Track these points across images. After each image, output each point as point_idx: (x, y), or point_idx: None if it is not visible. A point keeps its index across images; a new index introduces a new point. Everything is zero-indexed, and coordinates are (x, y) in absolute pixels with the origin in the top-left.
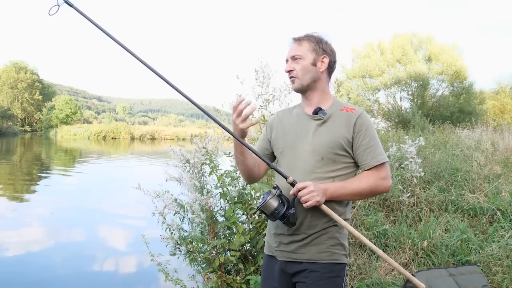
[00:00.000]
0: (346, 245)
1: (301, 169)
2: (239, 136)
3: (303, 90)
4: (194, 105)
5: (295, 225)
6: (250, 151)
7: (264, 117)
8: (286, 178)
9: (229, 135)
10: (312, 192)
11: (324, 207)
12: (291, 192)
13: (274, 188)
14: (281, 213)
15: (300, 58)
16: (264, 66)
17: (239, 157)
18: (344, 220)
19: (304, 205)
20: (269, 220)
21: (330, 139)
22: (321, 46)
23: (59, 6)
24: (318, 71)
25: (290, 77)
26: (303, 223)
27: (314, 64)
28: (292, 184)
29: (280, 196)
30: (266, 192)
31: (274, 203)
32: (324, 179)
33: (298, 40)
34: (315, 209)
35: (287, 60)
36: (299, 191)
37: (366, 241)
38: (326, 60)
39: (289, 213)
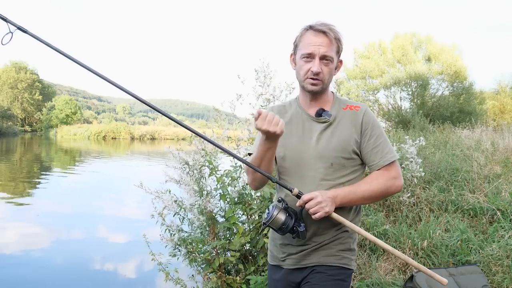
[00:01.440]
0: (355, 249)
1: (310, 177)
2: (275, 138)
3: (318, 93)
4: (192, 106)
5: (306, 237)
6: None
7: None
8: (291, 191)
9: (227, 135)
10: (320, 203)
11: (334, 215)
12: (297, 204)
13: (279, 201)
14: (290, 226)
15: (330, 61)
16: (266, 66)
17: (269, 155)
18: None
19: (313, 217)
20: (271, 229)
21: (338, 143)
22: (342, 48)
23: (12, 33)
24: (334, 75)
25: (314, 79)
26: (314, 233)
27: (335, 68)
28: (298, 196)
29: (286, 209)
30: (271, 206)
31: (282, 217)
32: (335, 185)
33: (329, 36)
34: (325, 220)
35: (310, 54)
36: (306, 203)
37: (384, 245)
38: (341, 64)
39: (299, 230)
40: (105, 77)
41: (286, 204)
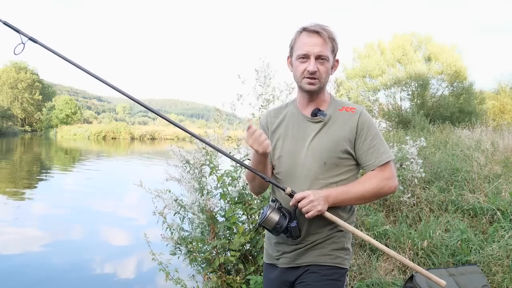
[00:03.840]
0: (350, 249)
1: (304, 176)
2: (262, 155)
3: (316, 93)
4: (192, 106)
5: (300, 237)
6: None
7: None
8: (283, 190)
9: (228, 135)
10: (312, 202)
11: (327, 214)
12: (290, 204)
13: (273, 201)
14: (284, 226)
15: (326, 60)
16: (266, 66)
17: (260, 167)
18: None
19: (306, 215)
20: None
21: (332, 142)
22: (337, 47)
23: (24, 44)
24: (331, 75)
25: (311, 78)
26: (308, 232)
27: (332, 67)
28: (291, 195)
29: (280, 208)
30: (265, 206)
31: (275, 217)
32: (328, 185)
33: (323, 36)
34: (319, 218)
35: (305, 55)
36: (299, 202)
37: (379, 245)
38: (337, 64)
39: (291, 226)
40: (113, 86)
41: (280, 204)
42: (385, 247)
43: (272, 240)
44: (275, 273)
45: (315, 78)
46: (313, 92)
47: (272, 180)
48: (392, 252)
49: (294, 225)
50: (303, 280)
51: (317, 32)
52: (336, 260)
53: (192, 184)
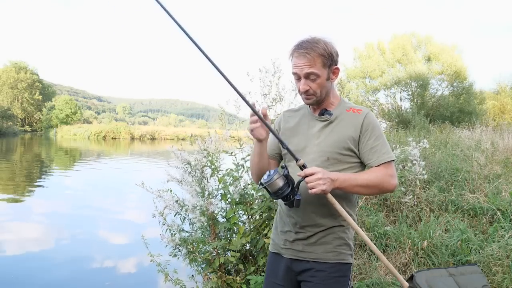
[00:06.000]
0: (352, 245)
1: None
2: (259, 143)
3: (317, 103)
4: (192, 106)
5: (298, 207)
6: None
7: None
8: (297, 160)
9: (230, 135)
10: (319, 179)
11: (330, 197)
12: (297, 174)
13: (282, 167)
14: (285, 193)
15: (317, 76)
16: (277, 67)
17: (256, 159)
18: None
19: (309, 191)
20: (276, 218)
21: (336, 139)
22: (332, 58)
23: None
24: (331, 83)
25: (306, 95)
26: (309, 221)
27: (329, 78)
28: (303, 167)
29: (286, 176)
30: (272, 170)
31: (280, 182)
32: None
33: (309, 55)
34: (321, 207)
35: (296, 75)
36: (307, 176)
37: (367, 239)
38: (338, 71)
39: (295, 199)
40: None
41: (288, 172)
42: (371, 242)
43: (278, 229)
44: (280, 263)
45: (309, 95)
46: (313, 104)
47: (288, 147)
48: (380, 254)
49: (299, 198)
50: (309, 279)
51: (304, 53)
52: (340, 256)
53: (194, 188)
